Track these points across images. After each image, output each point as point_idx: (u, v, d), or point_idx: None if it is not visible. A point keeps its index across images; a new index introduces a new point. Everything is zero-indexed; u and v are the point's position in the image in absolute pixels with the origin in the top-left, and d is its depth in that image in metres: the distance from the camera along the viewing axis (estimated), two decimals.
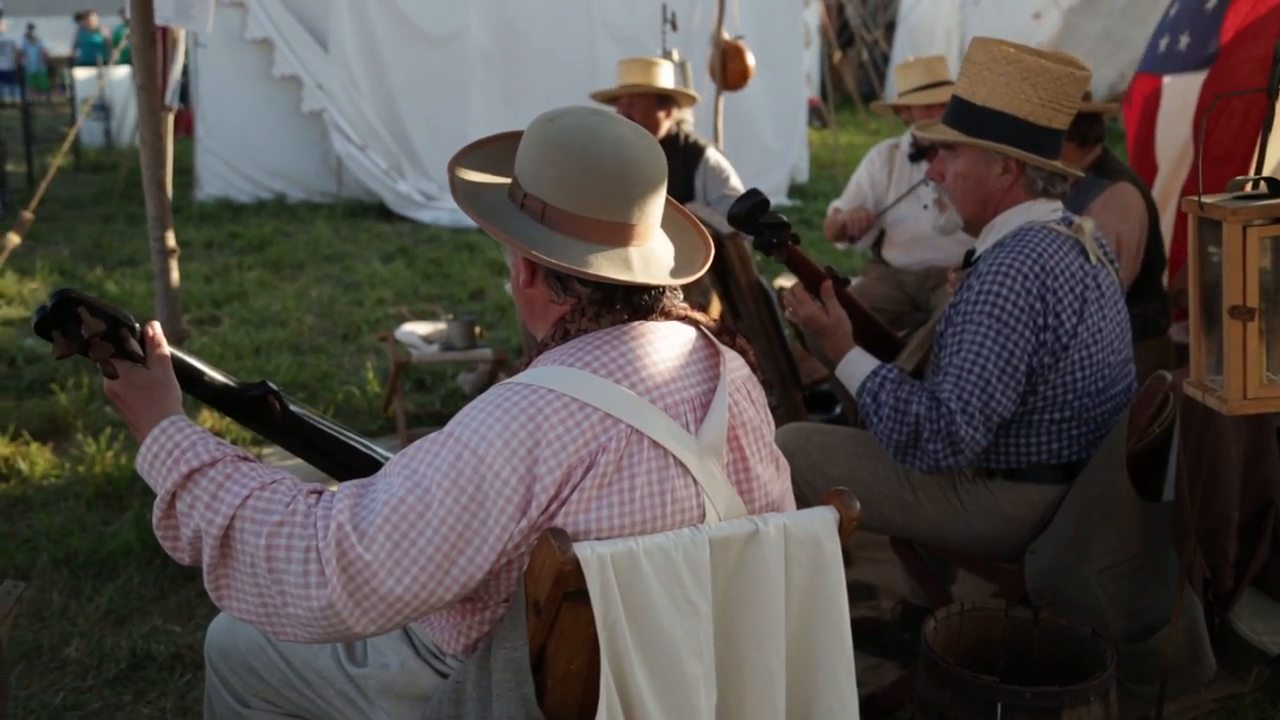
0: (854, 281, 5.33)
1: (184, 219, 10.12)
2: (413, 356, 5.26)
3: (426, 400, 5.84)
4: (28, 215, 6.36)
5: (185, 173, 11.04)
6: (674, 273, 2.02)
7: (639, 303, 1.98)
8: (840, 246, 5.84)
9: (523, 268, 2.01)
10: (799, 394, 4.10)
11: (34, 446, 5.06)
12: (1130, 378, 3.09)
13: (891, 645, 3.57)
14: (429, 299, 7.82)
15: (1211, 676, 2.97)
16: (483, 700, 1.95)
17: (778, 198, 11.54)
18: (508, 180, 2.05)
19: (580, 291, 1.97)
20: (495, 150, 2.13)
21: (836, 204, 5.52)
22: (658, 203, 2.00)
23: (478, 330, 5.36)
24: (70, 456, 5.03)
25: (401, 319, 7.13)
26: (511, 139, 2.10)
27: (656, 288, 2.00)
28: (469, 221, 10.19)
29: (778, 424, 3.57)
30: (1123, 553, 2.83)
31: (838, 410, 4.96)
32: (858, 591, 3.99)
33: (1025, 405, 2.92)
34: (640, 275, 1.95)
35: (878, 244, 5.34)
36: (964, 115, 2.94)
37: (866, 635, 3.63)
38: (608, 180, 1.92)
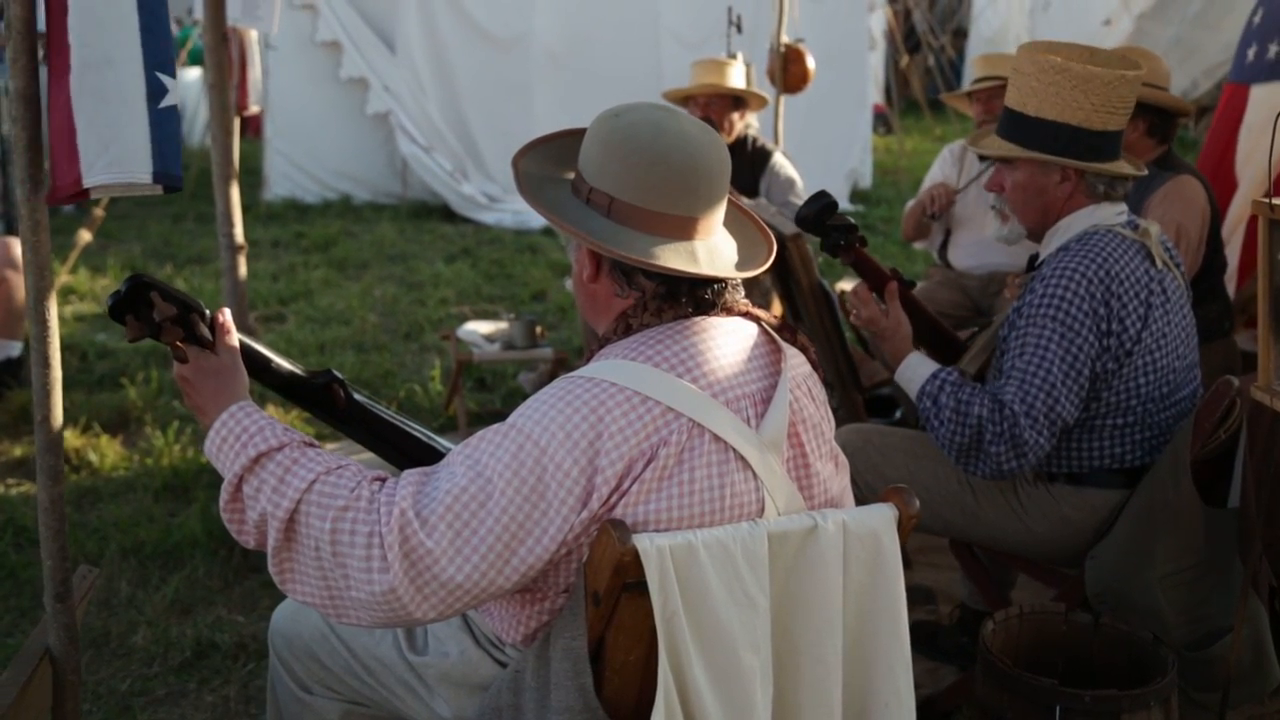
0: (916, 285, 5.29)
1: (252, 219, 10.22)
2: (474, 355, 5.30)
3: (487, 399, 5.88)
4: (99, 213, 6.49)
5: (254, 173, 11.16)
6: (738, 266, 2.03)
7: (702, 297, 2.00)
8: (918, 245, 5.80)
9: (587, 262, 2.02)
10: (859, 397, 4.09)
11: (104, 439, 5.15)
12: (1195, 383, 3.05)
13: (949, 649, 3.55)
14: (491, 299, 7.86)
15: (1276, 685, 2.94)
16: (541, 690, 1.97)
17: (839, 203, 11.47)
18: (570, 176, 2.07)
19: (645, 285, 1.99)
20: (556, 147, 2.15)
21: (911, 204, 5.48)
22: (722, 197, 2.02)
23: (539, 330, 5.40)
24: (139, 449, 5.12)
25: (464, 319, 7.17)
26: (571, 136, 2.12)
27: (720, 282, 2.01)
28: (532, 223, 10.29)
29: (837, 426, 3.57)
30: (1186, 559, 2.80)
31: (898, 414, 4.93)
32: (916, 595, 3.97)
33: (1088, 410, 2.89)
34: (706, 268, 1.96)
35: (943, 246, 5.31)
36: (1017, 127, 2.92)
37: (924, 639, 3.62)
38: (674, 174, 1.93)
